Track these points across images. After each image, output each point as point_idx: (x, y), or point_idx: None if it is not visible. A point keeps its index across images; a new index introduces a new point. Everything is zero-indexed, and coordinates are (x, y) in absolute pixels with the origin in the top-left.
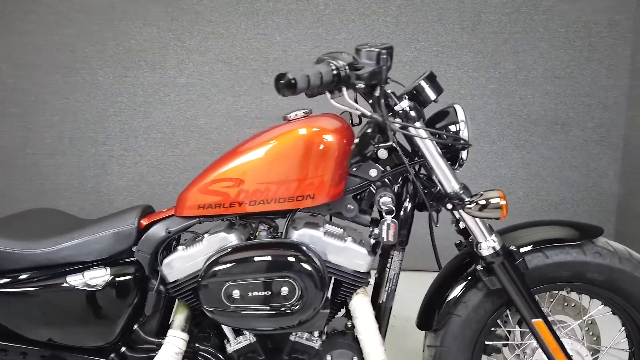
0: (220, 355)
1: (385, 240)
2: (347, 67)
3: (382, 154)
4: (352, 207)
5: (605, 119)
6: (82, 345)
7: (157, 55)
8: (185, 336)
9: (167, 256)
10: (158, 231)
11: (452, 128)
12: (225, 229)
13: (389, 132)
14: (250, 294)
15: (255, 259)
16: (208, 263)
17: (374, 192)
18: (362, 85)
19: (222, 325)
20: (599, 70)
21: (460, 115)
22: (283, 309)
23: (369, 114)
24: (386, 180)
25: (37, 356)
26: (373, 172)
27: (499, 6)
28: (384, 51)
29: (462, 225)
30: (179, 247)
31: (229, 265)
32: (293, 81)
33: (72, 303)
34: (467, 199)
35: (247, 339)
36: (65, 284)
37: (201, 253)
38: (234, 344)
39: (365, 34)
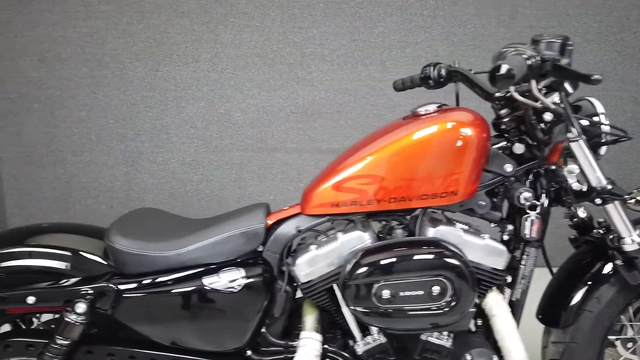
0: (348, 356)
1: (528, 236)
2: (538, 58)
3: (518, 148)
4: (484, 204)
5: (637, 113)
6: (212, 349)
7: (189, 48)
8: (319, 337)
9: (298, 256)
10: (288, 230)
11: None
12: (359, 227)
13: (575, 127)
14: (401, 293)
15: (407, 258)
16: (355, 263)
17: (509, 188)
18: (552, 78)
19: (349, 326)
20: (631, 65)
21: (599, 108)
22: (436, 308)
23: (552, 107)
24: (521, 177)
25: (125, 357)
26: (508, 167)
27: (536, 0)
28: (569, 42)
29: (576, 219)
30: (311, 247)
31: (379, 265)
32: (512, 71)
33: (208, 305)
34: (627, 194)
35: (376, 339)
36: (203, 286)
37: (337, 252)
38: (362, 345)
39: (402, 28)
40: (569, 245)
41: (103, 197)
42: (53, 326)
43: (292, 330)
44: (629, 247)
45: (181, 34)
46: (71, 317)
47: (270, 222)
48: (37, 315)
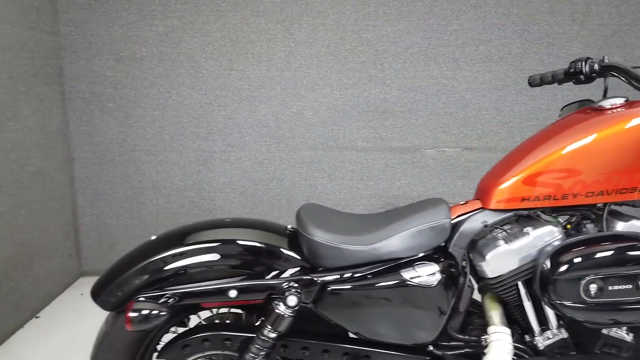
0: (529, 350)
1: None
2: None
3: None
4: None
5: None
6: (403, 342)
7: (264, 47)
8: (509, 331)
9: (486, 251)
10: (474, 225)
11: None
12: (549, 222)
13: None
14: (610, 287)
15: (615, 252)
16: (558, 258)
17: None
18: None
19: (529, 321)
20: None
21: None
22: None
23: None
24: None
25: (339, 353)
26: None
27: None
28: None
29: None
30: (500, 242)
31: (587, 259)
32: None
33: (407, 298)
34: None
35: (556, 334)
36: (402, 280)
37: (529, 247)
38: (543, 340)
39: (476, 25)
40: None
41: (174, 196)
42: (228, 321)
43: (467, 325)
44: None
45: (256, 32)
46: (281, 309)
47: (452, 215)
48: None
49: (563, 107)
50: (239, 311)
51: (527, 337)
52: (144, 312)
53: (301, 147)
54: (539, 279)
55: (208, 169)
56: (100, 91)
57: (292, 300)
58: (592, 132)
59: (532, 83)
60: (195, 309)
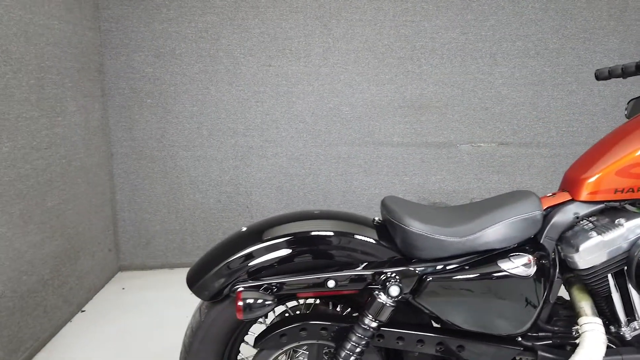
0: (616, 341)
1: None
2: None
3: None
4: None
5: None
6: (497, 332)
7: (302, 43)
8: (601, 322)
9: (578, 243)
10: (565, 217)
11: None
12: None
13: None
14: None
15: None
16: None
17: None
18: None
19: (616, 312)
20: None
21: None
22: None
23: None
24: None
25: (433, 343)
26: None
27: None
28: None
29: None
30: (592, 234)
31: None
32: None
33: (503, 288)
34: None
35: None
36: (500, 270)
37: (622, 239)
38: (630, 330)
39: (513, 21)
40: None
41: (211, 192)
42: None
43: (553, 317)
44: None
45: (294, 28)
46: (383, 299)
47: (543, 208)
48: None
49: (630, 101)
50: (323, 302)
51: (613, 329)
52: (251, 301)
53: (337, 142)
54: (634, 267)
55: (245, 164)
56: (139, 87)
57: (394, 290)
58: None
59: (600, 76)
60: (285, 300)
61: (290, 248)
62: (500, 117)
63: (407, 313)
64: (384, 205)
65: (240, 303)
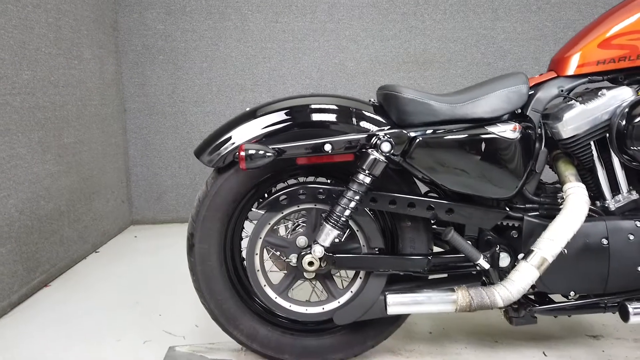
0: (600, 211)
1: None
2: None
3: None
4: None
5: None
6: (485, 194)
7: (308, 0)
8: (584, 186)
9: (562, 113)
10: (550, 91)
11: None
12: (621, 84)
13: None
14: None
15: None
16: (633, 111)
17: None
18: None
19: (601, 184)
20: None
21: None
22: None
23: None
24: None
25: (424, 206)
26: None
27: None
28: None
29: None
30: (576, 104)
31: None
32: None
33: (492, 151)
34: None
35: (627, 197)
36: (487, 133)
37: (604, 107)
38: (614, 202)
39: None
40: None
41: None
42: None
43: (542, 191)
44: None
45: None
46: (376, 155)
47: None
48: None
49: None
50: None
51: (599, 203)
52: (254, 151)
53: None
54: (615, 133)
55: None
56: (151, 44)
57: (386, 146)
58: None
59: None
60: (286, 175)
61: (291, 118)
62: (503, 72)
63: (400, 184)
64: (380, 87)
65: (243, 153)
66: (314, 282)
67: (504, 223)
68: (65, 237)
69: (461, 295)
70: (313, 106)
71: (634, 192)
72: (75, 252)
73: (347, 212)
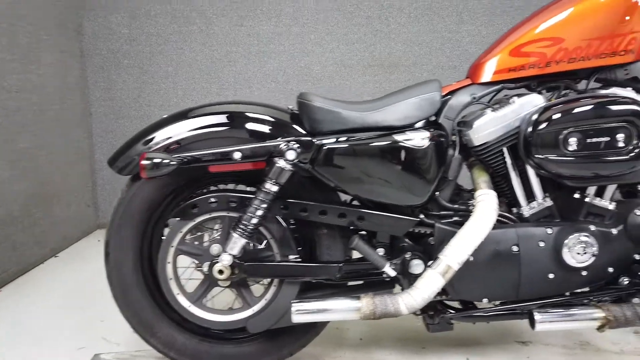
0: (515, 218)
1: None
2: None
3: None
4: None
5: None
6: (396, 202)
7: (272, 3)
8: (495, 193)
9: (473, 121)
10: (463, 98)
11: None
12: (534, 91)
13: None
14: (588, 140)
15: (594, 106)
16: (540, 115)
17: None
18: None
19: (515, 191)
20: None
21: None
22: (621, 154)
23: None
24: None
25: (335, 214)
26: None
27: None
28: None
29: None
30: (487, 111)
31: (566, 113)
32: None
33: (400, 160)
34: None
35: (541, 203)
36: (395, 142)
37: (514, 114)
38: (528, 209)
39: None
40: None
41: None
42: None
43: (458, 199)
44: None
45: None
46: (281, 164)
47: (444, 92)
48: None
49: None
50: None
51: (515, 210)
52: (156, 160)
53: None
54: (522, 140)
55: None
56: (116, 48)
57: (291, 154)
58: (573, 3)
59: None
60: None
61: (204, 126)
62: None
63: (313, 192)
64: (298, 95)
65: (143, 162)
66: (235, 290)
67: (418, 230)
68: (19, 242)
69: (365, 303)
70: (228, 114)
71: (547, 199)
72: (31, 257)
73: (255, 221)
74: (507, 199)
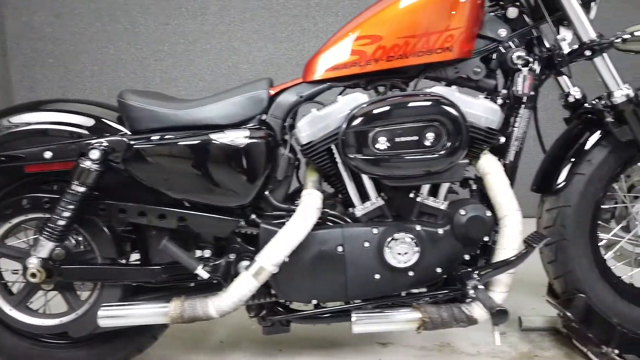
0: (347, 219)
1: (520, 92)
2: None
3: (512, 12)
4: (479, 70)
5: None
6: (217, 203)
7: (198, 2)
8: (320, 194)
9: (301, 119)
10: (290, 97)
11: None
12: (359, 90)
13: None
14: (397, 139)
15: (402, 105)
16: (355, 112)
17: (503, 53)
18: None
19: (348, 191)
20: None
21: None
22: (430, 153)
23: None
24: (514, 41)
25: (155, 215)
26: (502, 32)
27: None
28: None
29: (571, 98)
30: (312, 110)
31: (374, 113)
32: None
33: (214, 158)
34: (612, 38)
35: (374, 203)
36: (209, 140)
37: (337, 113)
38: (361, 209)
39: None
40: None
41: None
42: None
43: (294, 200)
44: (618, 99)
45: None
46: (86, 164)
47: (273, 92)
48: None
49: None
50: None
51: (351, 210)
52: None
53: None
54: (340, 139)
55: None
56: (40, 47)
57: (94, 154)
58: (392, 1)
59: None
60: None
61: (26, 123)
62: None
63: (144, 193)
64: (119, 93)
65: None
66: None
67: (245, 231)
68: None
69: (173, 307)
70: (53, 112)
71: (379, 199)
72: None
73: (62, 223)
74: (344, 199)
